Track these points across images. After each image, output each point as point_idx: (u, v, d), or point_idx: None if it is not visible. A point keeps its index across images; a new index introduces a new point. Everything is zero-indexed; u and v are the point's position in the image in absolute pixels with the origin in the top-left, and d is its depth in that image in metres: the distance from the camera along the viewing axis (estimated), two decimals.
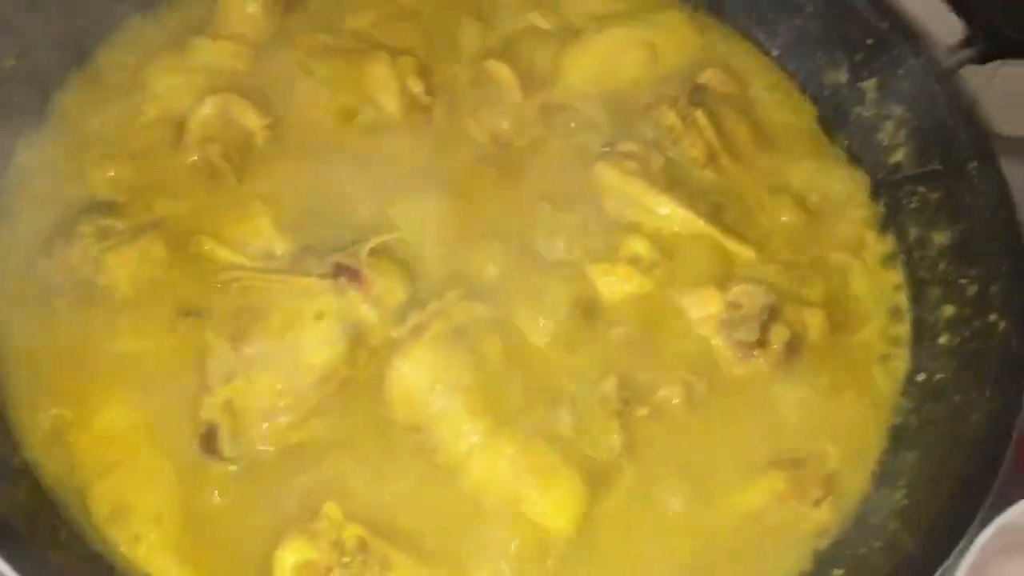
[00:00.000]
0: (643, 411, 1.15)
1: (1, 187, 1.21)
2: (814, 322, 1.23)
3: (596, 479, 1.09)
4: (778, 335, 1.20)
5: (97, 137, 1.26)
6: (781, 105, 1.43)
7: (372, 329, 1.14)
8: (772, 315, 1.21)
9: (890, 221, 1.33)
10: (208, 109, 1.27)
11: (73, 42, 1.30)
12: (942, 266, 1.25)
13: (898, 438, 1.17)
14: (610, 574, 1.07)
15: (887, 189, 1.35)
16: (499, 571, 1.04)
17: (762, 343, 1.19)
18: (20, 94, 1.25)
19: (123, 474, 1.04)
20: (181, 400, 1.08)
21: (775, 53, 1.47)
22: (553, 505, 1.06)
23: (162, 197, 1.21)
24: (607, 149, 1.32)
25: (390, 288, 1.16)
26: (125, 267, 1.14)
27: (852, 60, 1.39)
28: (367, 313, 1.14)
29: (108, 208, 1.19)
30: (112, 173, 1.23)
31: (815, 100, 1.44)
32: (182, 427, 1.07)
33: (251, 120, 1.28)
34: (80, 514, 1.02)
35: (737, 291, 1.21)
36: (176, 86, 1.30)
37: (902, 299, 1.28)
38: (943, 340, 1.21)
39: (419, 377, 1.10)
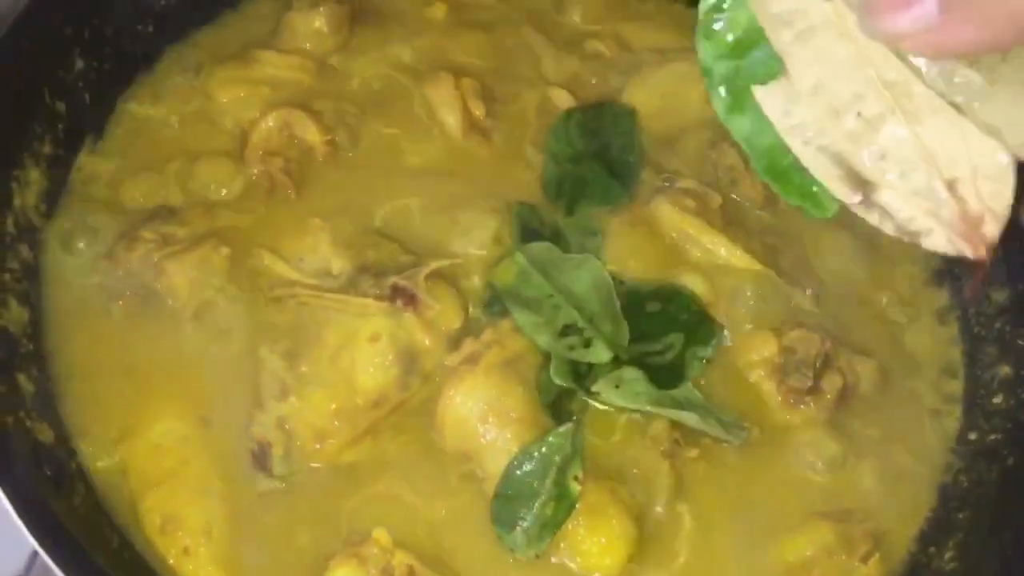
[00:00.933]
0: (693, 453, 1.14)
1: (66, 191, 1.22)
2: (866, 372, 1.22)
3: (644, 520, 1.09)
4: (831, 383, 1.19)
5: (161, 144, 1.27)
6: None
7: (426, 354, 1.14)
8: (826, 362, 1.20)
9: (947, 274, 1.32)
10: (271, 123, 1.27)
11: (140, 48, 1.31)
12: (999, 324, 1.25)
13: (948, 497, 1.16)
14: None
15: None
16: None
17: (814, 390, 1.18)
18: (86, 98, 1.25)
19: (175, 486, 1.04)
20: (234, 415, 1.08)
21: None
22: (599, 546, 1.06)
23: (222, 208, 1.22)
24: (666, 185, 1.32)
25: (445, 314, 1.16)
26: (185, 274, 1.14)
27: None
28: (422, 338, 1.14)
29: (170, 215, 1.20)
30: (173, 181, 1.24)
31: None
32: (234, 442, 1.07)
33: (313, 135, 1.29)
34: (131, 524, 1.03)
35: (793, 336, 1.21)
36: (240, 98, 1.30)
37: (956, 355, 1.27)
38: (997, 400, 1.20)
39: (471, 407, 1.09)
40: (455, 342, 1.15)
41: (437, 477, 1.09)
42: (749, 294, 1.26)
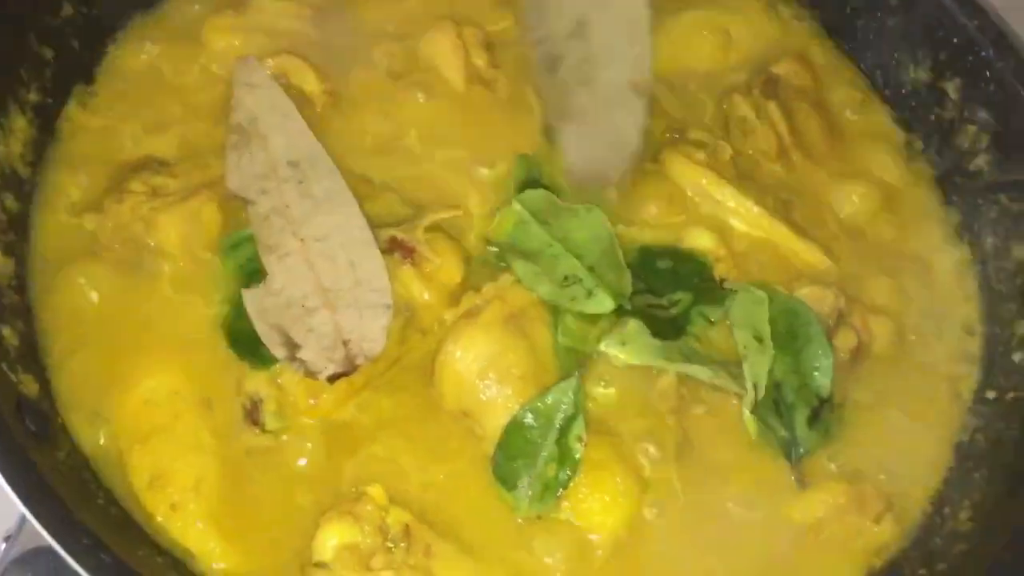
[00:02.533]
0: (700, 409, 1.11)
1: (54, 141, 1.18)
2: (881, 330, 1.18)
3: (648, 478, 1.05)
4: (844, 340, 1.15)
5: (153, 94, 1.23)
6: (856, 101, 1.38)
7: (425, 309, 1.11)
8: (839, 320, 1.16)
9: (965, 229, 1.28)
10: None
11: None
12: (1020, 280, 1.20)
13: (965, 457, 1.13)
14: None
15: (964, 195, 1.29)
16: (544, 568, 1.01)
17: None
18: (76, 46, 1.21)
19: (164, 441, 1.01)
20: (227, 369, 1.05)
21: (852, 46, 1.41)
22: (602, 503, 1.02)
23: (216, 157, 1.17)
24: (676, 136, 1.27)
25: (445, 268, 1.12)
26: (176, 227, 1.11)
27: (935, 59, 1.33)
28: (420, 292, 1.10)
29: (161, 166, 1.16)
30: (167, 131, 1.20)
31: (892, 98, 1.38)
32: (227, 397, 1.04)
33: (310, 84, 1.25)
34: (119, 480, 1.00)
35: (805, 292, 1.17)
36: (234, 46, 1.26)
37: (974, 312, 1.23)
38: (1017, 357, 1.16)
39: (470, 363, 1.06)
40: (455, 297, 1.11)
41: (435, 435, 1.06)
42: (760, 249, 1.22)
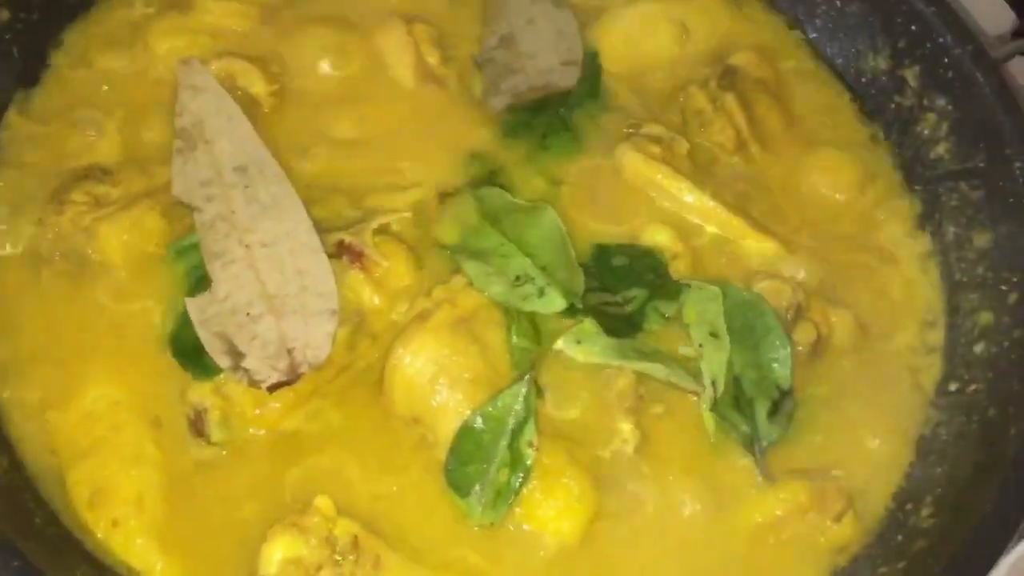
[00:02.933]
0: (658, 408, 1.09)
1: None
2: (841, 323, 1.16)
3: (605, 481, 1.03)
4: (803, 334, 1.13)
5: (94, 100, 1.20)
6: (816, 92, 1.36)
7: (375, 314, 1.08)
8: (798, 314, 1.14)
9: (927, 219, 1.26)
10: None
11: None
12: (981, 269, 1.18)
13: (926, 452, 1.11)
14: None
15: (925, 184, 1.27)
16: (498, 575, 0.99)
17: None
18: (14, 51, 1.19)
19: (105, 455, 0.98)
20: (171, 379, 1.03)
21: (812, 36, 1.39)
22: (556, 509, 1.00)
23: (161, 164, 1.15)
24: (631, 131, 1.25)
25: (395, 271, 1.10)
26: (117, 237, 1.09)
27: (894, 46, 1.31)
28: (370, 297, 1.08)
29: (104, 174, 1.13)
30: (109, 137, 1.18)
31: (852, 87, 1.36)
32: (170, 408, 1.02)
33: (257, 86, 1.22)
34: (59, 497, 0.97)
35: (763, 287, 1.15)
36: (179, 48, 1.23)
37: (936, 302, 1.21)
38: (979, 349, 1.14)
39: (421, 367, 1.03)
40: (405, 300, 1.09)
41: (386, 442, 1.04)
42: (718, 244, 1.20)
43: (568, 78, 1.26)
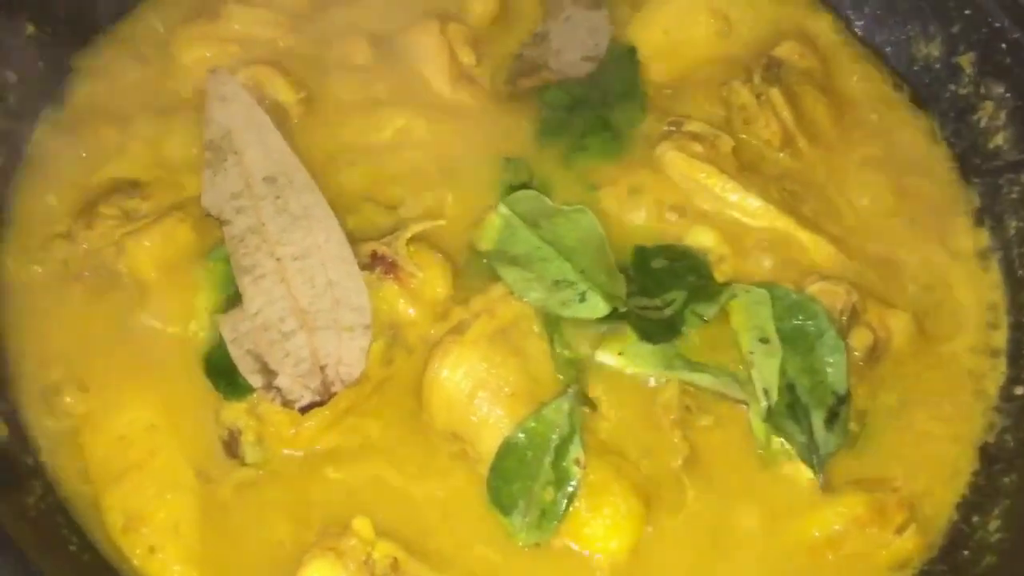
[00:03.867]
0: (707, 420, 1.04)
1: (20, 165, 1.14)
2: (899, 326, 1.11)
3: (654, 497, 0.99)
4: (859, 339, 1.08)
5: (122, 111, 1.18)
6: (865, 82, 1.30)
7: (410, 327, 1.05)
8: (853, 317, 1.09)
9: (986, 213, 1.20)
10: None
11: (96, 11, 1.22)
12: None
13: (992, 460, 1.05)
14: None
15: (983, 176, 1.21)
16: None
17: None
18: (39, 65, 1.17)
19: (140, 480, 0.96)
20: (203, 401, 1.00)
21: (859, 23, 1.34)
22: (604, 528, 0.96)
23: (190, 176, 1.13)
24: (672, 129, 1.21)
25: (430, 282, 1.06)
26: (148, 251, 1.06)
27: (947, 32, 1.25)
28: (405, 308, 1.05)
29: (132, 188, 1.11)
30: (138, 150, 1.15)
31: (903, 76, 1.30)
32: (204, 430, 0.99)
33: (285, 95, 1.19)
34: (94, 523, 0.95)
35: (814, 290, 1.10)
36: (206, 58, 1.21)
37: (999, 302, 1.15)
38: None
39: (459, 382, 1.00)
40: (442, 312, 1.06)
41: (425, 460, 1.01)
42: (767, 246, 1.15)
43: (581, 70, 1.21)
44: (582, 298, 1.04)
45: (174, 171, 1.14)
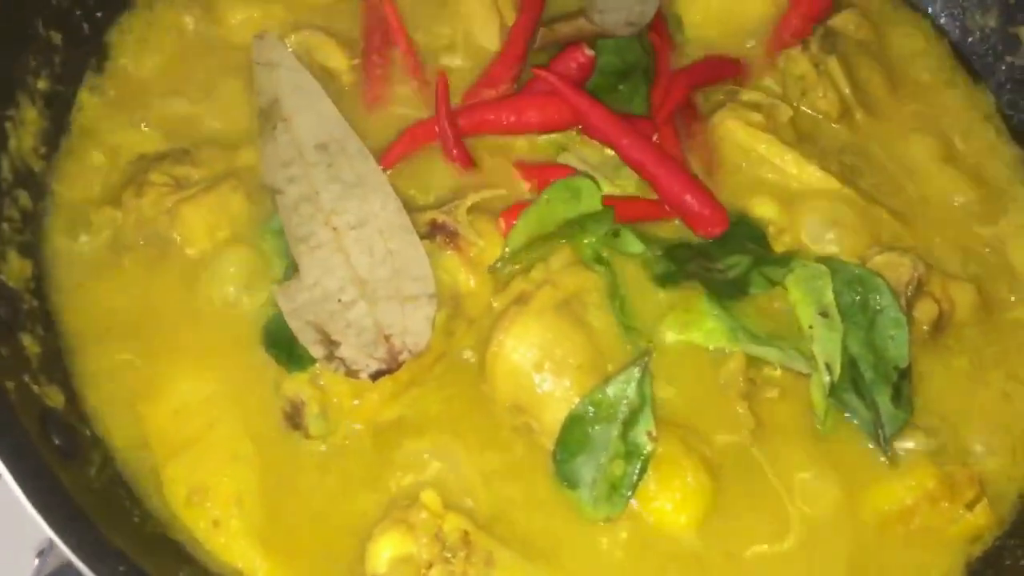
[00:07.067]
0: (772, 392, 1.03)
1: (66, 132, 1.10)
2: (963, 297, 1.09)
3: (721, 470, 0.98)
4: (925, 312, 1.07)
5: (169, 77, 1.15)
6: (920, 52, 1.28)
7: (470, 297, 1.03)
8: (918, 289, 1.07)
9: None
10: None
11: None
12: None
13: None
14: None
15: None
16: (615, 571, 0.93)
17: (907, 321, 1.05)
18: (85, 28, 1.13)
19: (201, 452, 0.94)
20: (264, 370, 0.98)
21: None
22: (675, 500, 0.95)
23: (241, 143, 1.10)
24: (727, 99, 1.18)
25: (491, 251, 1.04)
26: (202, 219, 1.03)
27: (1004, 2, 1.23)
28: (466, 279, 1.03)
29: (183, 155, 1.08)
30: (186, 115, 1.13)
31: (959, 47, 1.28)
32: (266, 401, 0.96)
33: (335, 60, 1.17)
34: (155, 495, 0.93)
35: (878, 261, 1.08)
36: (253, 19, 1.18)
37: None
38: None
39: (524, 353, 0.98)
40: (503, 283, 1.03)
41: (488, 433, 0.98)
42: (827, 217, 1.12)
43: (621, 32, 1.18)
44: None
45: (224, 137, 1.11)
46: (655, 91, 1.16)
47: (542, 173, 1.10)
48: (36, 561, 1.10)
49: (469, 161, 1.10)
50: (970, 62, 1.27)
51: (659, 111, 1.14)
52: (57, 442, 0.88)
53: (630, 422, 0.95)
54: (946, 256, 1.13)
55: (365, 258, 1.00)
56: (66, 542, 0.77)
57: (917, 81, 1.26)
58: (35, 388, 0.91)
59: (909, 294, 1.07)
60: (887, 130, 1.21)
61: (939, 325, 1.07)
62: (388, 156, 1.08)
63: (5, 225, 1.00)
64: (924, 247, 1.12)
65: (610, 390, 0.96)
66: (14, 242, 0.99)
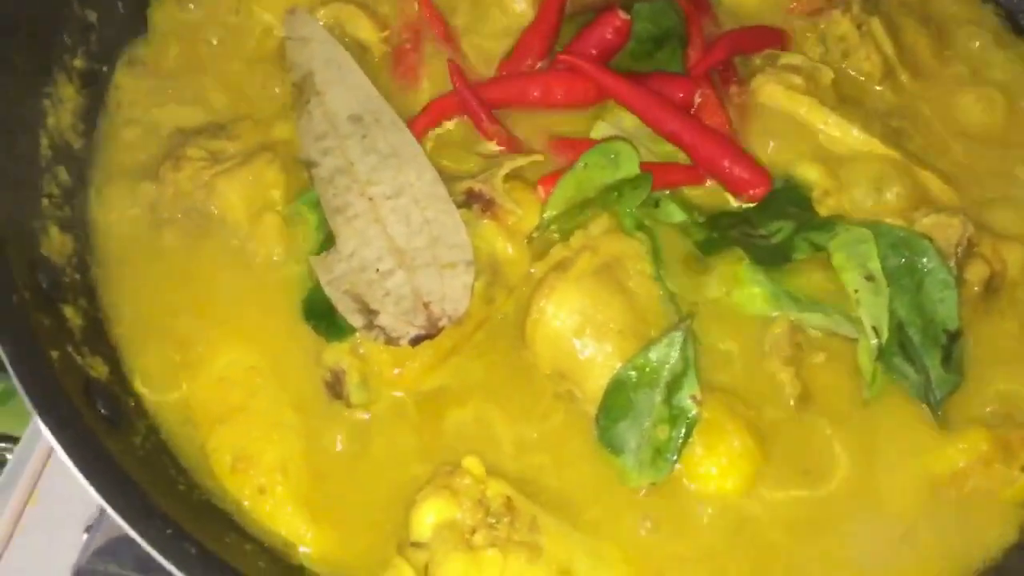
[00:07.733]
0: (820, 358, 1.01)
1: (104, 108, 1.11)
2: (1014, 257, 1.07)
3: (768, 435, 0.96)
4: (976, 273, 1.04)
5: (203, 52, 1.15)
6: (966, 12, 1.26)
7: (510, 264, 1.02)
8: (968, 250, 1.04)
9: None
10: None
11: None
12: None
13: None
14: (787, 542, 0.93)
15: None
16: (661, 538, 0.92)
17: (957, 282, 1.03)
18: (120, 6, 1.14)
19: (245, 421, 0.94)
20: (302, 341, 0.98)
21: None
22: (721, 466, 0.93)
23: (276, 116, 1.10)
24: (767, 62, 1.16)
25: (528, 219, 1.03)
26: (239, 192, 1.03)
27: None
28: (504, 246, 1.02)
29: (218, 130, 1.08)
30: (221, 91, 1.13)
31: (1004, 5, 1.25)
32: (307, 370, 0.96)
33: (367, 32, 1.16)
34: (200, 463, 0.93)
35: (926, 223, 1.05)
36: None
37: None
38: None
39: (565, 319, 0.97)
40: (542, 249, 1.03)
41: (530, 400, 0.98)
42: (872, 180, 1.10)
43: None
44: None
45: (258, 111, 1.11)
46: (691, 54, 1.14)
47: (577, 149, 1.08)
48: (84, 536, 1.11)
49: (503, 136, 1.09)
50: (1016, 19, 1.24)
51: (696, 68, 1.12)
52: (103, 411, 0.88)
53: (674, 386, 0.94)
54: (995, 217, 1.10)
55: (402, 228, 1.00)
56: (113, 505, 0.77)
57: (962, 41, 1.23)
58: (78, 359, 0.92)
59: (959, 255, 1.04)
60: (933, 91, 1.19)
61: (991, 286, 1.05)
62: (412, 130, 1.07)
63: (45, 201, 1.00)
64: (973, 208, 1.09)
65: (652, 355, 0.95)
66: (55, 217, 1.00)
